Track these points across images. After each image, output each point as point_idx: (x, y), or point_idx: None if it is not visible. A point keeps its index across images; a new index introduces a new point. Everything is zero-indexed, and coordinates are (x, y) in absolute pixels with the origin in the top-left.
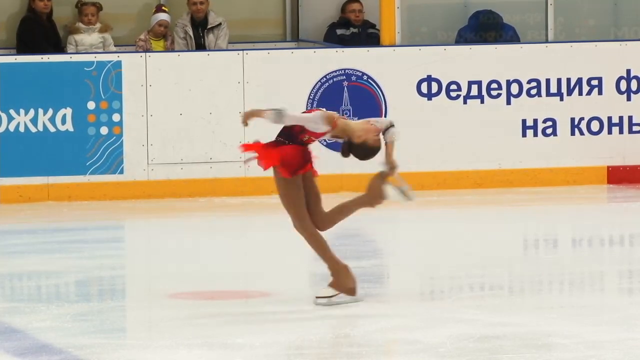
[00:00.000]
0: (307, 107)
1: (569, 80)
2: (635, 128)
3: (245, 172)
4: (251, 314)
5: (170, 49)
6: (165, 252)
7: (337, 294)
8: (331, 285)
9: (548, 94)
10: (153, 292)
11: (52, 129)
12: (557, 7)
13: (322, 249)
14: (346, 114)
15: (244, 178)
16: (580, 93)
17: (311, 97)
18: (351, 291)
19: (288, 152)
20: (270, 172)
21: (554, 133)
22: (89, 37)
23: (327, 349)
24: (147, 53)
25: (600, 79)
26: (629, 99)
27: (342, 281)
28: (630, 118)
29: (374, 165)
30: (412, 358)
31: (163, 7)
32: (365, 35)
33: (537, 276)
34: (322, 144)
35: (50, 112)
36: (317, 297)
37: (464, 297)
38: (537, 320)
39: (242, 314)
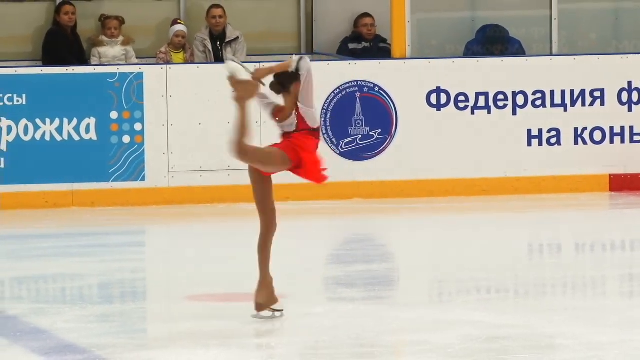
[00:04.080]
0: (321, 117)
1: (572, 91)
2: (636, 138)
3: None
4: (267, 316)
5: (189, 61)
6: (184, 256)
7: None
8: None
9: (552, 104)
10: (173, 295)
11: (76, 138)
12: (561, 22)
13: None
14: (359, 124)
15: None
16: (584, 104)
17: (325, 108)
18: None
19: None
20: (284, 179)
21: (558, 142)
22: (112, 50)
23: (339, 349)
24: (167, 65)
25: (602, 91)
26: (630, 109)
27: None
28: (631, 128)
29: (385, 172)
30: (421, 358)
31: (179, 20)
32: (377, 49)
33: (541, 280)
34: (336, 152)
35: (74, 121)
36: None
37: (471, 299)
38: (541, 322)
39: (259, 316)
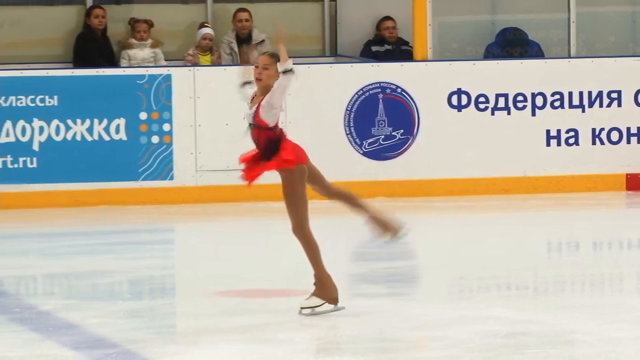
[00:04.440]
0: (344, 118)
1: (590, 93)
2: None
3: None
4: (292, 311)
5: (216, 63)
6: (212, 253)
7: (322, 304)
8: (315, 295)
9: (570, 106)
10: (200, 291)
11: (106, 138)
12: (579, 25)
13: (315, 257)
14: (381, 124)
15: None
16: (601, 105)
17: (348, 109)
18: (334, 300)
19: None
20: None
21: (576, 142)
22: (141, 52)
23: (362, 344)
24: (195, 67)
25: (619, 92)
26: None
27: (327, 291)
28: None
29: (407, 172)
30: (442, 353)
31: (206, 24)
32: (399, 52)
33: (560, 277)
34: (359, 152)
35: (105, 122)
36: (301, 308)
37: (492, 296)
38: (560, 318)
39: (284, 311)
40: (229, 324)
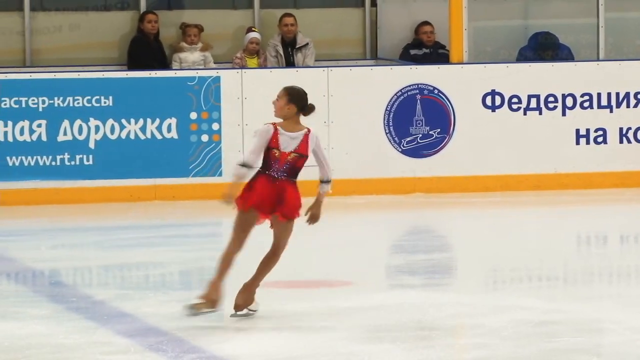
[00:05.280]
0: (384, 117)
1: (618, 94)
2: None
3: None
4: (334, 302)
5: (263, 65)
6: (257, 246)
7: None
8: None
9: (599, 106)
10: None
11: (159, 137)
12: (608, 29)
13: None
14: (419, 124)
15: None
16: (628, 105)
17: (388, 109)
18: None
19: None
20: (348, 174)
21: (605, 141)
22: (192, 55)
23: (401, 332)
24: (242, 69)
25: None
26: None
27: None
28: None
29: (444, 169)
30: (477, 340)
31: (253, 28)
32: (436, 55)
33: (589, 268)
34: (398, 150)
35: (157, 121)
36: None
37: (524, 287)
38: (589, 307)
39: (326, 302)
40: (273, 313)
